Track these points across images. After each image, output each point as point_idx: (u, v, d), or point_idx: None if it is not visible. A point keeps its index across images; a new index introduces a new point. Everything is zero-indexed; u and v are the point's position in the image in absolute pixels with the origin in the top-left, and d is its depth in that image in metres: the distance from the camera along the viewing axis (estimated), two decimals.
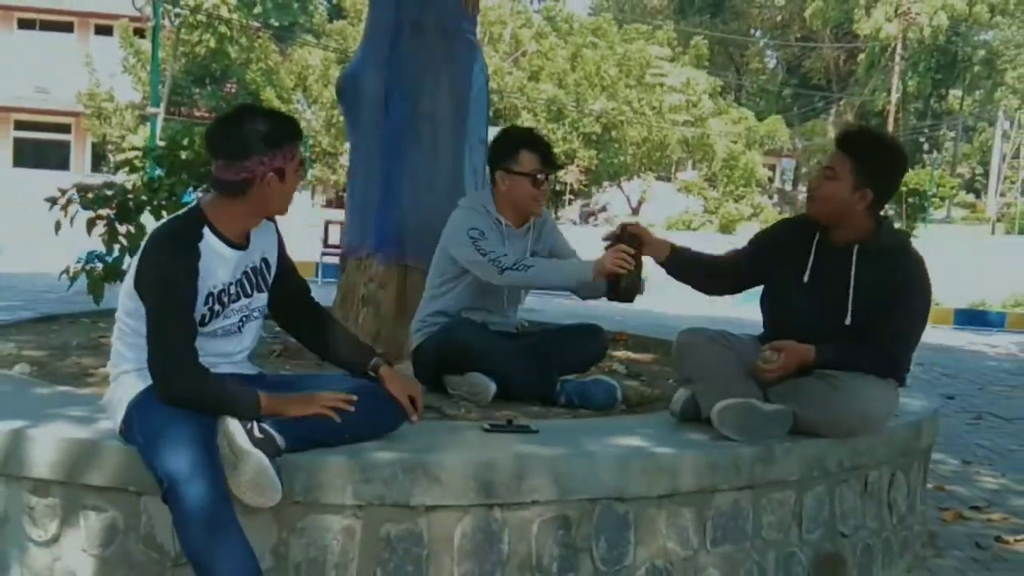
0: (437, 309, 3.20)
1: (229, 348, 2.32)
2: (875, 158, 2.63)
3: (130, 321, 2.21)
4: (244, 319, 2.33)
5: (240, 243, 2.28)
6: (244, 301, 2.31)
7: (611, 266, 2.76)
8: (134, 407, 2.15)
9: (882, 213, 2.73)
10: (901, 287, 2.60)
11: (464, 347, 3.01)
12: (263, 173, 2.17)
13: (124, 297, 2.23)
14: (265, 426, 2.12)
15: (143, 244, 2.22)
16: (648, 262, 2.83)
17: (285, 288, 2.44)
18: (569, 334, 3.30)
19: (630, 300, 2.71)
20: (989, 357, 8.52)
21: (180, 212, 2.30)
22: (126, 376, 2.21)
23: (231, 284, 2.27)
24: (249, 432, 2.08)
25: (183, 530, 1.98)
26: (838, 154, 2.64)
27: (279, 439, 2.12)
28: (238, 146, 2.18)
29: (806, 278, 2.70)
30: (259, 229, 2.34)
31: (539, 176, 3.16)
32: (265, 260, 2.37)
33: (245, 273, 2.31)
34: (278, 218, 2.39)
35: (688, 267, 2.85)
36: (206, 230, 2.21)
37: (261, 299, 2.37)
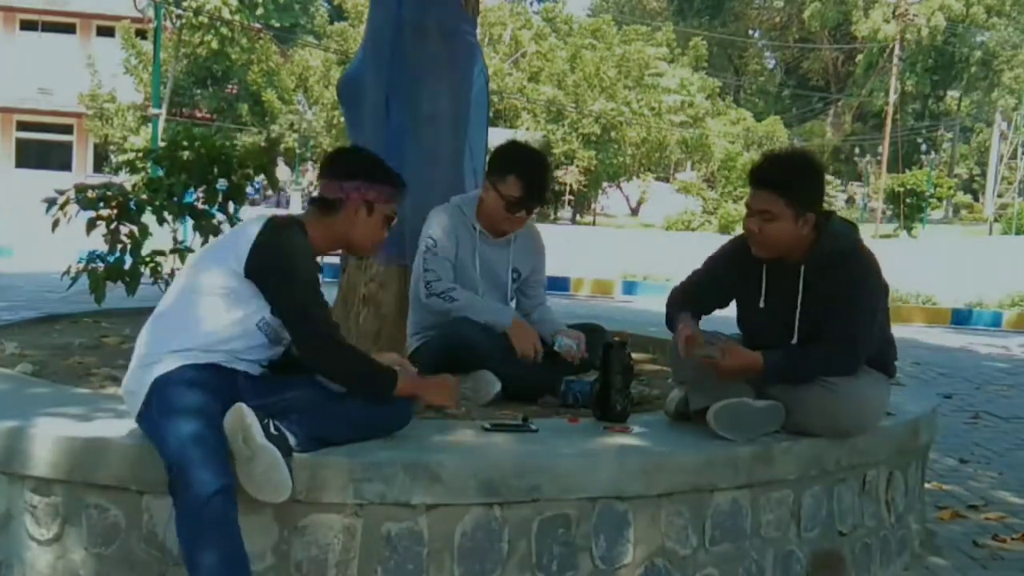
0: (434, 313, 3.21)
1: (262, 351, 2.33)
2: (800, 182, 2.58)
3: (207, 300, 2.23)
4: (282, 338, 2.35)
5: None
6: None
7: (525, 349, 3.06)
8: (156, 387, 2.16)
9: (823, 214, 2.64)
10: (843, 286, 2.59)
11: (467, 346, 3.02)
12: (356, 199, 2.38)
13: (210, 274, 2.25)
14: (280, 426, 2.15)
15: (258, 231, 2.26)
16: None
17: None
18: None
19: (623, 420, 2.70)
20: (986, 357, 8.54)
21: (289, 215, 2.43)
22: (162, 358, 2.19)
23: None
24: (265, 428, 2.11)
25: (181, 516, 2.00)
26: (763, 194, 2.59)
27: (292, 439, 2.15)
28: (344, 168, 2.43)
29: (762, 303, 2.71)
30: None
31: (512, 204, 3.15)
32: None
33: None
34: None
35: (704, 312, 2.83)
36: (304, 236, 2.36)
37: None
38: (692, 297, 2.82)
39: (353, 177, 2.39)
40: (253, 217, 2.41)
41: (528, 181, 3.15)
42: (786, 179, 2.58)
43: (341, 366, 2.30)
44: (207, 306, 2.24)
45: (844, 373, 2.61)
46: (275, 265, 2.25)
